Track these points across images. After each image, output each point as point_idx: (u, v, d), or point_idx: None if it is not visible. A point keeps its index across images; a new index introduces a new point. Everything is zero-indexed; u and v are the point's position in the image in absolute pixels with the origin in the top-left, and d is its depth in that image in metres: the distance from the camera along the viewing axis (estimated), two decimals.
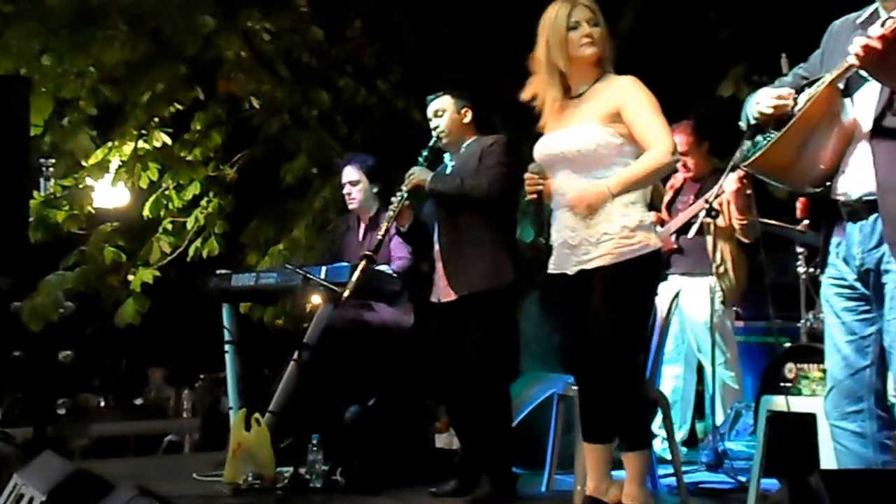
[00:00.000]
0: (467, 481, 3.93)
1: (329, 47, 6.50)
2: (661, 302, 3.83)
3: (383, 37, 6.52)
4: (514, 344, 4.14)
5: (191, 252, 6.81)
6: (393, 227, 4.09)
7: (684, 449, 4.81)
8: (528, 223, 5.11)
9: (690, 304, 4.77)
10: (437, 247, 4.01)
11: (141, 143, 6.51)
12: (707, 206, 4.32)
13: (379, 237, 4.06)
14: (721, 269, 4.75)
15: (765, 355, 4.97)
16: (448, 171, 4.08)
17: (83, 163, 6.33)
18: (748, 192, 4.39)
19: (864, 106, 2.47)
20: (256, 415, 4.27)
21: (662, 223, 4.78)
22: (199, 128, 6.74)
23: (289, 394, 4.41)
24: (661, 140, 3.13)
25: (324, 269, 4.34)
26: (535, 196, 3.29)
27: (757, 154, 2.55)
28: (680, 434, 4.85)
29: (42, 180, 6.57)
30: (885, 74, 2.34)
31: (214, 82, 6.40)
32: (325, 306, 4.33)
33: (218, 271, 4.95)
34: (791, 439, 3.38)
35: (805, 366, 3.84)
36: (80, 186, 6.38)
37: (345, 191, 4.69)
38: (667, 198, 4.96)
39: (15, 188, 4.44)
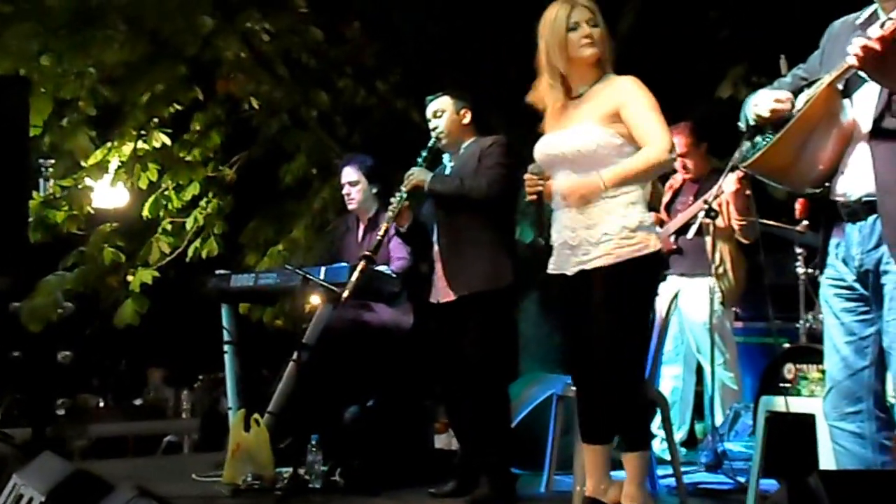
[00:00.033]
0: (466, 482, 3.93)
1: (328, 48, 6.50)
2: (660, 302, 3.83)
3: (382, 37, 6.53)
4: (513, 344, 4.14)
5: (190, 252, 6.81)
6: (392, 228, 4.09)
7: (683, 449, 4.81)
8: (527, 224, 5.12)
9: (689, 304, 4.78)
10: (436, 247, 4.02)
11: (140, 144, 6.51)
12: (706, 206, 4.33)
13: (378, 238, 4.06)
14: (720, 270, 4.75)
15: (764, 356, 4.97)
16: (447, 171, 4.08)
17: (82, 163, 6.33)
18: (747, 192, 4.39)
19: (863, 107, 2.47)
20: (255, 415, 4.27)
21: (661, 224, 4.78)
22: (198, 128, 6.75)
23: (288, 394, 4.41)
24: (658, 138, 3.13)
25: (323, 269, 4.34)
26: (534, 197, 3.29)
27: (756, 155, 2.55)
28: (679, 435, 4.86)
29: (41, 181, 6.57)
30: (884, 75, 2.34)
31: (213, 83, 6.40)
32: (325, 307, 4.33)
33: (217, 272, 4.95)
34: (790, 440, 3.38)
35: (804, 366, 3.84)
36: (80, 187, 6.38)
37: (344, 191, 4.69)
38: (666, 198, 4.97)
39: (14, 188, 4.44)
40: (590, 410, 3.30)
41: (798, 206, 4.36)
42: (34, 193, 6.25)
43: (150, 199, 6.71)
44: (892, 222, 2.38)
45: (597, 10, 3.23)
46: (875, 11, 2.48)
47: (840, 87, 2.48)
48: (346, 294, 3.97)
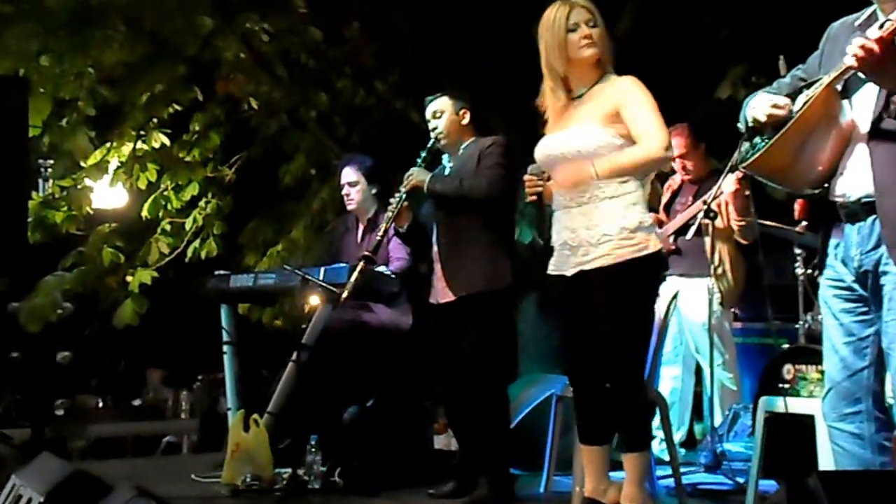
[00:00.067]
0: (465, 482, 3.93)
1: (327, 48, 6.51)
2: (659, 303, 3.83)
3: (381, 38, 6.53)
4: (512, 345, 4.14)
5: (189, 253, 6.81)
6: (391, 228, 4.09)
7: (682, 450, 4.81)
8: (526, 224, 5.12)
9: (688, 305, 4.77)
10: (435, 248, 4.02)
11: (139, 144, 6.52)
12: (705, 207, 4.33)
13: (377, 238, 4.06)
14: (719, 271, 4.75)
15: (763, 356, 4.97)
16: (446, 172, 4.08)
17: (82, 163, 6.34)
18: (746, 193, 4.39)
19: (862, 108, 2.47)
20: (255, 416, 4.27)
21: (660, 224, 4.78)
22: (197, 129, 6.75)
23: (287, 395, 4.41)
24: (654, 135, 3.12)
25: (322, 269, 4.34)
26: (534, 198, 3.30)
27: (755, 156, 2.55)
28: (678, 435, 4.85)
29: (40, 181, 6.58)
30: (883, 76, 2.34)
31: (213, 83, 6.40)
32: (324, 307, 4.33)
33: (216, 272, 4.94)
34: (789, 441, 3.38)
35: (803, 367, 3.84)
36: (79, 187, 6.39)
37: (343, 192, 4.69)
38: (665, 199, 4.97)
39: (13, 189, 4.45)
40: (587, 411, 3.30)
41: (797, 206, 4.36)
42: (33, 194, 6.26)
43: (150, 200, 6.72)
44: (891, 223, 2.38)
45: (595, 10, 3.23)
46: (874, 12, 2.48)
47: (839, 87, 2.48)
48: (345, 294, 3.97)
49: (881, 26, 2.31)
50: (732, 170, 4.10)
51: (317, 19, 6.27)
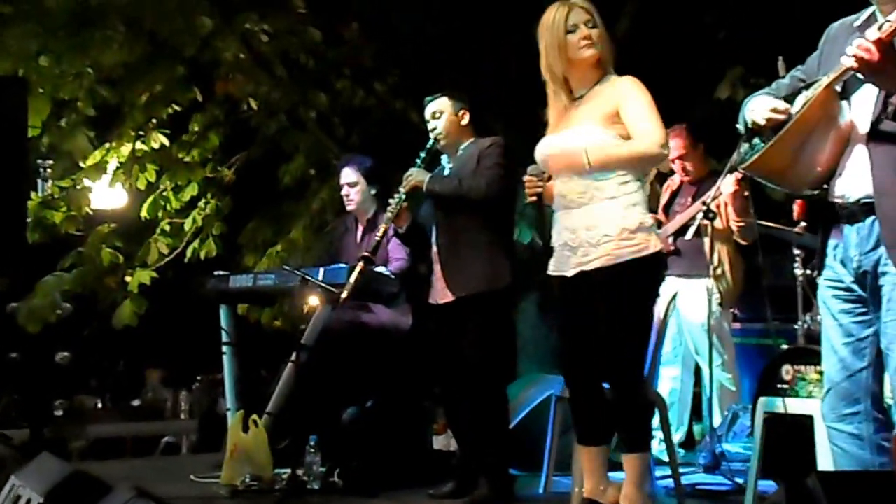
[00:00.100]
0: (465, 483, 3.93)
1: (327, 49, 6.51)
2: (659, 304, 3.83)
3: (381, 38, 6.53)
4: (511, 346, 4.14)
5: (188, 253, 6.82)
6: (391, 229, 4.09)
7: (681, 451, 4.80)
8: (525, 225, 5.12)
9: (688, 305, 4.78)
10: (434, 248, 4.02)
11: (139, 145, 6.52)
12: (704, 208, 4.33)
13: (377, 238, 4.06)
14: (718, 271, 4.75)
15: (762, 357, 4.97)
16: (446, 172, 4.08)
17: (81, 164, 6.35)
18: (745, 194, 4.39)
19: (861, 109, 2.47)
20: (254, 416, 4.26)
21: (659, 225, 4.78)
22: (196, 129, 6.75)
23: (286, 395, 4.41)
24: (652, 132, 3.12)
25: (321, 270, 4.34)
26: (535, 198, 3.30)
27: (754, 157, 2.55)
28: (677, 436, 4.85)
29: (40, 181, 6.58)
30: (882, 78, 2.34)
31: (212, 83, 6.41)
32: (323, 308, 4.33)
33: (216, 272, 4.94)
34: (788, 441, 3.38)
35: (802, 368, 3.85)
36: (78, 187, 6.39)
37: (343, 192, 4.69)
38: (664, 200, 4.97)
39: (13, 189, 4.44)
40: (584, 412, 3.30)
41: (796, 207, 4.36)
42: (32, 194, 6.26)
43: (149, 200, 6.72)
44: (890, 224, 2.38)
45: (595, 10, 3.23)
46: (873, 13, 2.48)
47: (838, 88, 2.48)
48: (344, 295, 3.97)
49: (880, 27, 2.31)
50: (731, 171, 4.11)
51: (316, 20, 6.27)
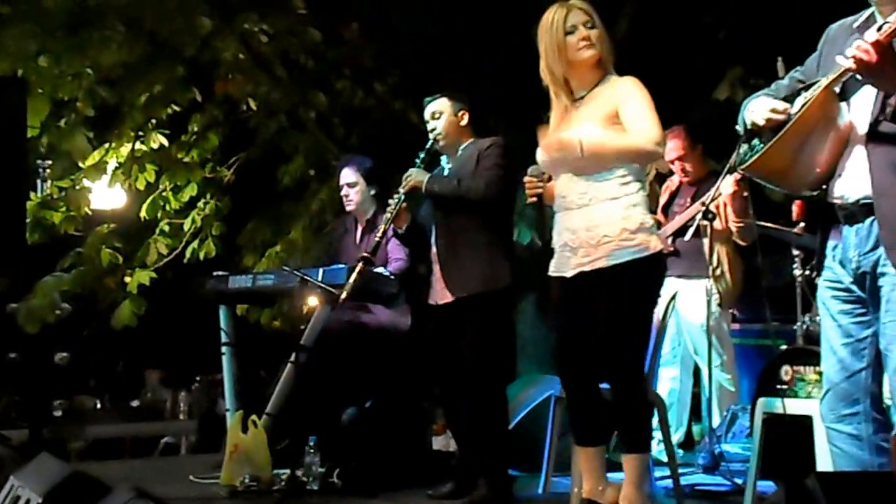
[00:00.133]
0: (464, 483, 3.93)
1: (326, 49, 6.51)
2: (658, 304, 3.83)
3: (380, 39, 6.53)
4: (510, 346, 4.14)
5: (188, 254, 6.82)
6: (390, 229, 4.09)
7: (680, 451, 4.81)
8: (525, 225, 5.12)
9: (687, 306, 4.78)
10: (434, 249, 4.02)
11: (138, 145, 6.52)
12: (704, 208, 4.33)
13: (376, 239, 4.06)
14: (718, 272, 4.76)
15: (761, 358, 4.97)
16: (445, 173, 4.08)
17: (80, 164, 6.34)
18: (745, 194, 4.40)
19: (860, 110, 2.47)
20: (253, 417, 4.26)
21: (659, 226, 4.78)
22: (196, 129, 6.75)
23: (286, 396, 4.41)
24: (648, 129, 3.12)
25: (321, 270, 4.34)
26: (535, 199, 3.30)
27: (753, 157, 2.55)
28: (676, 436, 4.85)
29: (39, 182, 6.58)
30: (881, 79, 2.34)
31: (212, 84, 6.41)
32: (322, 308, 4.33)
33: (215, 273, 4.94)
34: (787, 442, 3.38)
35: (801, 368, 3.84)
36: (77, 188, 6.39)
37: (342, 193, 4.69)
38: (663, 200, 4.97)
39: (12, 189, 4.44)
40: (581, 413, 3.30)
41: (795, 208, 4.36)
42: (32, 194, 6.26)
43: (148, 201, 6.72)
44: (889, 225, 2.38)
45: (593, 11, 3.23)
46: (872, 14, 2.48)
47: (837, 90, 2.48)
48: (343, 295, 3.97)
49: (879, 28, 2.31)
50: (731, 171, 4.11)
51: (316, 20, 6.27)
